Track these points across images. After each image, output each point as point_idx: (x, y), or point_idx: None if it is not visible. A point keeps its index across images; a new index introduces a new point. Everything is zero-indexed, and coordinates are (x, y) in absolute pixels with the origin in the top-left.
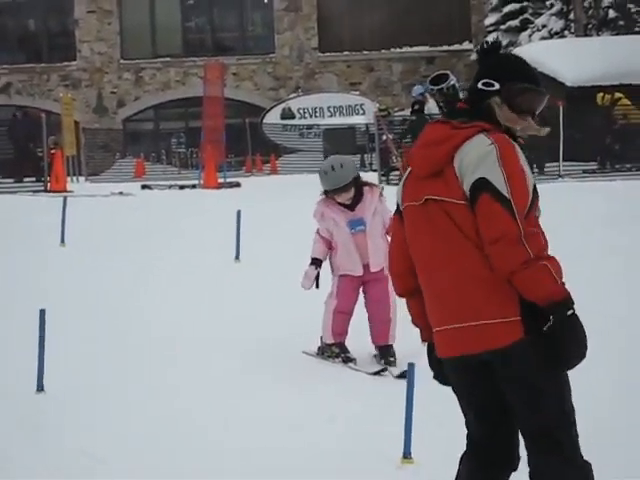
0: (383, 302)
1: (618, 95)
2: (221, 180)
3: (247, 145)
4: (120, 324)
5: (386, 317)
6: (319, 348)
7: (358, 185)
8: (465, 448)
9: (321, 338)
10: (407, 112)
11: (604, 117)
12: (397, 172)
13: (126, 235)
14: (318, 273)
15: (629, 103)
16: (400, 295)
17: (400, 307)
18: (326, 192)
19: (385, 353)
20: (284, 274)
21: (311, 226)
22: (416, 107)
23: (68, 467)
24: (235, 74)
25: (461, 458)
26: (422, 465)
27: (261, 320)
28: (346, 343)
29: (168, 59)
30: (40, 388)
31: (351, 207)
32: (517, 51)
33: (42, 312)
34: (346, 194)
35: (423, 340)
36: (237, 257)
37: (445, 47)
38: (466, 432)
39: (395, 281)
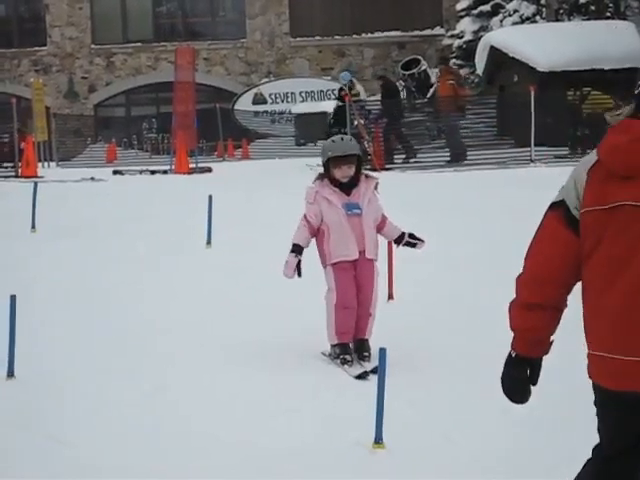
0: (368, 296)
1: (586, 89)
2: (192, 165)
3: (218, 130)
4: (91, 310)
5: (367, 312)
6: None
7: (358, 168)
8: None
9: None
10: (379, 98)
11: (574, 108)
12: (369, 157)
13: (97, 221)
14: (300, 261)
15: (599, 93)
16: (533, 304)
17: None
18: (327, 162)
19: (360, 347)
20: (255, 259)
21: (283, 210)
22: (343, 93)
23: (37, 452)
24: (206, 59)
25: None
26: (393, 450)
27: (230, 306)
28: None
29: (139, 44)
30: (11, 374)
31: (346, 191)
32: (488, 36)
33: (12, 298)
34: (348, 168)
35: (516, 350)
36: (208, 242)
37: (417, 32)
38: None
39: (540, 288)
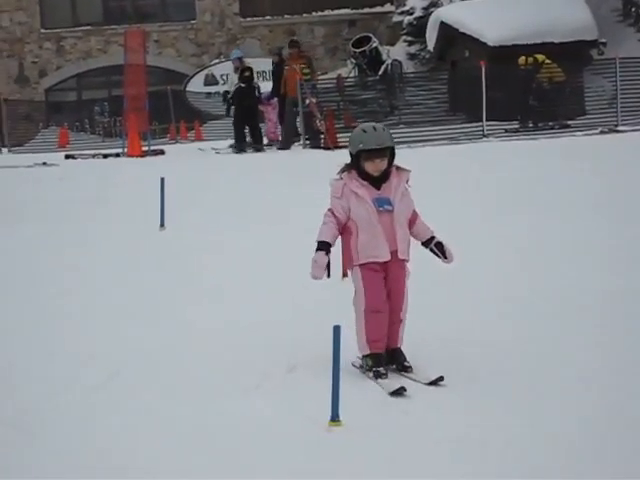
0: (400, 301)
1: (541, 57)
2: (145, 148)
3: (170, 112)
4: (43, 296)
5: (398, 318)
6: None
7: (390, 160)
8: None
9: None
10: (331, 76)
11: (527, 77)
12: (322, 135)
13: (49, 206)
14: (329, 260)
15: (552, 64)
16: None
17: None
18: (357, 155)
19: (397, 357)
20: (209, 241)
21: (237, 192)
22: (247, 74)
23: None
24: (157, 41)
25: None
26: (350, 428)
27: (184, 287)
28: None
29: (89, 27)
30: None
31: (376, 185)
32: (438, 12)
33: None
34: (381, 162)
35: None
36: (162, 225)
37: (367, 9)
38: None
39: None
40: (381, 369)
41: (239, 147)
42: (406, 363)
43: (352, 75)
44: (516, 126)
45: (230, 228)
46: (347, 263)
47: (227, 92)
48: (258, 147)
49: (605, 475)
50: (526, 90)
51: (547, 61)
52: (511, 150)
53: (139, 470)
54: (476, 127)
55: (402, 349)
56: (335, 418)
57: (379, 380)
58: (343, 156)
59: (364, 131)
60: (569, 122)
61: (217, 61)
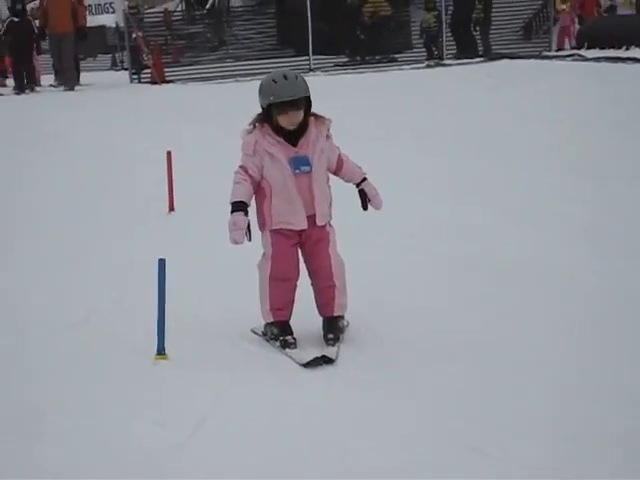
0: (326, 264)
1: None
2: None
3: None
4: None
5: (329, 283)
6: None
7: (307, 110)
8: None
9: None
10: (158, 10)
11: (353, 11)
12: (149, 70)
13: None
14: (249, 222)
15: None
16: None
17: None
18: (269, 108)
19: (327, 328)
20: None
21: None
22: (19, 7)
23: None
24: None
25: None
26: (176, 361)
27: None
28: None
29: None
30: None
31: (293, 141)
32: None
33: None
34: (296, 115)
35: None
36: None
37: None
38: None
39: None
40: (289, 338)
41: (19, 87)
42: (330, 335)
43: (179, 9)
44: (344, 60)
45: None
46: (259, 225)
47: None
48: (33, 87)
49: None
50: (353, 24)
51: None
52: (338, 84)
53: None
54: (303, 61)
55: (340, 319)
56: (161, 351)
57: (287, 350)
58: (170, 90)
59: (274, 81)
60: (396, 56)
61: None
